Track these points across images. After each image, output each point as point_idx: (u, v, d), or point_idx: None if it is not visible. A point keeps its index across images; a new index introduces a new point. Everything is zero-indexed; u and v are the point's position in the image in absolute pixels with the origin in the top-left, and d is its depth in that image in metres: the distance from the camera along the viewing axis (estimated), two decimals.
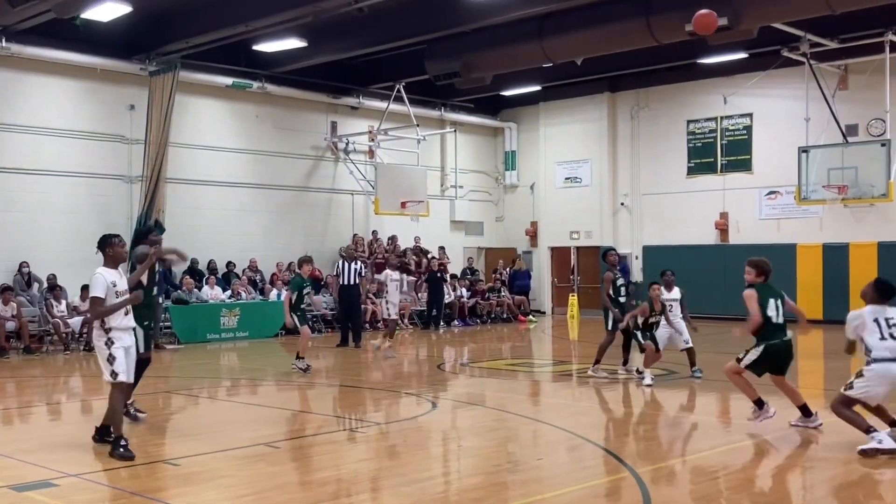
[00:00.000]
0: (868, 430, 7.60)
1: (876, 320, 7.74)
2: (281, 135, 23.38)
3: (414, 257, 24.53)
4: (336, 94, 24.19)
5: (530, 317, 25.34)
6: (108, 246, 8.16)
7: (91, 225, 19.59)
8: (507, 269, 26.39)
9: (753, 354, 8.71)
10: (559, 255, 27.95)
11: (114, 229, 19.39)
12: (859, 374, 7.71)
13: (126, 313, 8.01)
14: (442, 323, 23.03)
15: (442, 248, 25.65)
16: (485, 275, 27.28)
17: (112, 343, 7.87)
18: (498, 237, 29.06)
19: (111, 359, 7.85)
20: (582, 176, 27.33)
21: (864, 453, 7.46)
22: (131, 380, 8.19)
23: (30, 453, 8.10)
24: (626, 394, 11.72)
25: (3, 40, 17.95)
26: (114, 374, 7.86)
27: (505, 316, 24.95)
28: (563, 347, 19.88)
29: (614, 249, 14.29)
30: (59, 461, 7.70)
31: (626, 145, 26.82)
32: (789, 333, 8.79)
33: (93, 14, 17.08)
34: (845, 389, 7.79)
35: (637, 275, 26.11)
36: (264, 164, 22.99)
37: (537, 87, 26.30)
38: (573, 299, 26.26)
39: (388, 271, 16.94)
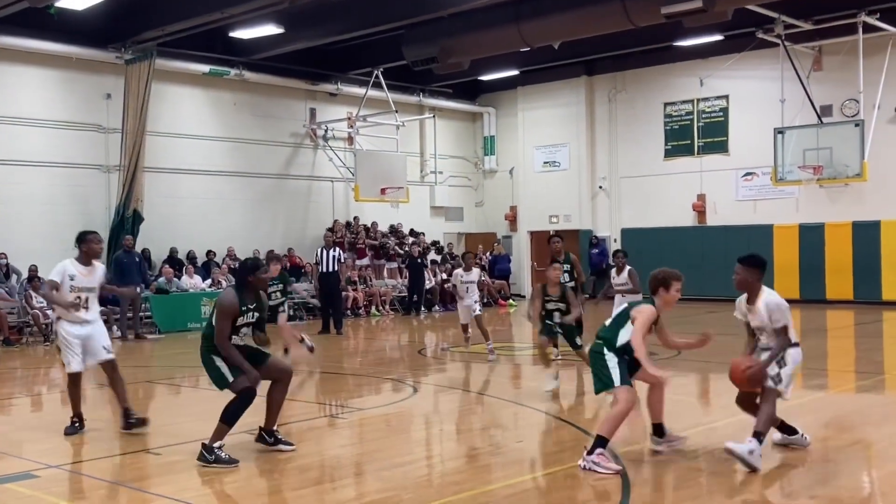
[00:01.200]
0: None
1: None
2: (259, 122, 23.31)
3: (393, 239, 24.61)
4: (314, 80, 24.12)
5: (510, 301, 25.45)
6: (83, 242, 8.43)
7: (69, 215, 19.62)
8: (487, 254, 26.46)
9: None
10: (539, 239, 28.03)
11: (92, 219, 19.97)
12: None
13: (80, 309, 8.31)
14: (423, 308, 23.11)
15: (421, 234, 25.70)
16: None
17: (64, 333, 8.33)
18: (478, 222, 29.13)
19: (63, 348, 8.38)
20: (560, 160, 27.39)
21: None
22: (80, 369, 8.44)
23: (10, 445, 8.12)
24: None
25: None
26: (67, 363, 8.37)
27: (485, 300, 25.02)
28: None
29: (560, 237, 13.30)
30: (40, 452, 7.71)
31: (603, 129, 26.88)
32: None
33: (67, 3, 16.96)
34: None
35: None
36: (243, 152, 22.93)
37: (515, 72, 26.27)
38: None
39: (458, 271, 14.53)
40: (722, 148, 24.81)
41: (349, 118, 24.22)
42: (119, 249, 18.57)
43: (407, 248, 24.23)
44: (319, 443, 8.32)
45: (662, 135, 25.87)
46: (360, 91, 23.96)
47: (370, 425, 9.16)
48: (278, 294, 13.52)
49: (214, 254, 21.61)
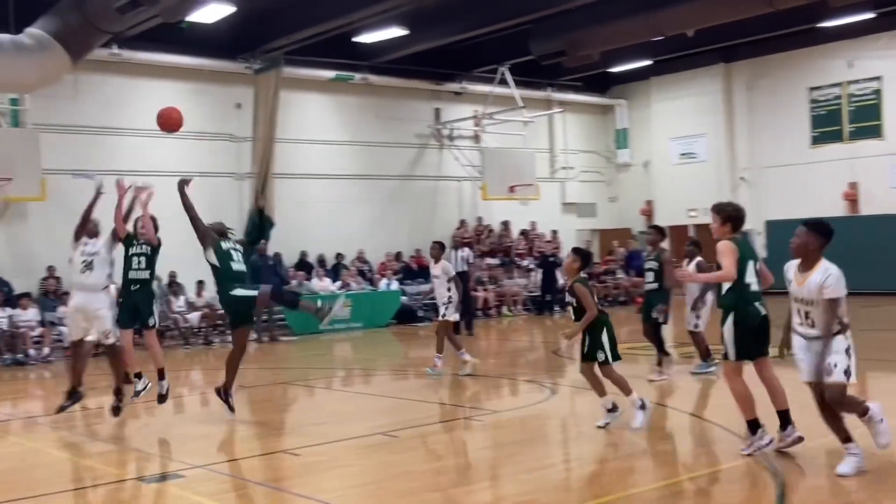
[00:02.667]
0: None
1: None
2: (384, 124, 23.29)
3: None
4: (438, 80, 23.94)
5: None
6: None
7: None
8: (622, 250, 25.66)
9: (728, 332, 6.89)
10: (677, 233, 26.94)
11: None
12: None
13: (80, 273, 9.21)
14: (556, 308, 22.46)
15: (553, 231, 25.09)
16: (599, 257, 26.57)
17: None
18: (612, 218, 28.27)
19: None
20: (698, 151, 26.34)
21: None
22: (72, 338, 9.38)
23: (157, 446, 8.41)
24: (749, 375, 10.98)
25: (115, 47, 18.34)
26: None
27: (622, 299, 24.19)
28: (684, 329, 19.02)
29: (652, 228, 12.01)
30: (185, 453, 7.94)
31: (743, 117, 25.75)
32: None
33: (198, 16, 17.28)
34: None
35: (761, 251, 24.97)
36: (369, 155, 22.95)
37: (647, 62, 25.48)
38: None
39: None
40: (875, 133, 23.31)
41: (475, 116, 23.89)
42: (253, 254, 18.85)
43: (541, 248, 23.68)
44: (455, 445, 8.25)
45: (808, 121, 24.59)
46: (485, 89, 23.58)
47: (506, 428, 8.94)
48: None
49: (343, 256, 21.68)
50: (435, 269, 12.55)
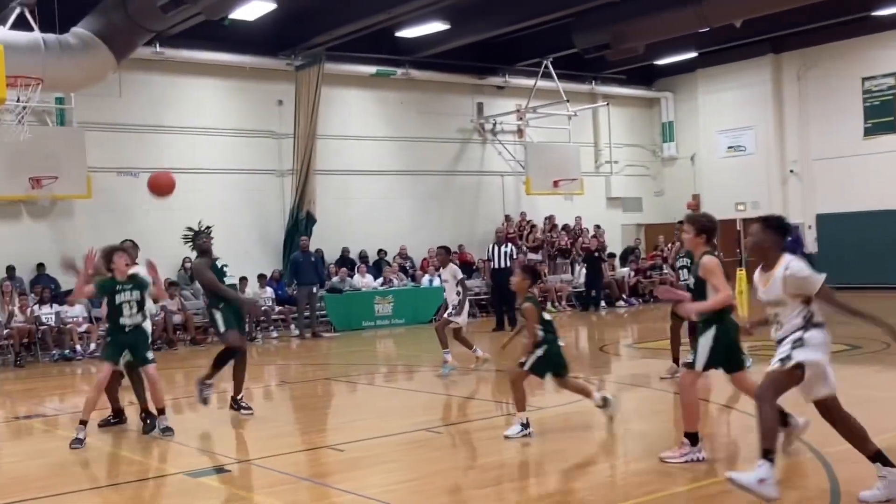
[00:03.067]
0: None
1: None
2: (426, 119, 23.17)
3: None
4: (481, 74, 23.75)
5: None
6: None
7: (246, 219, 20.23)
8: (668, 246, 25.22)
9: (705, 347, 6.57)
10: (724, 228, 26.30)
11: (268, 223, 20.43)
12: None
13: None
14: (602, 304, 22.15)
15: (596, 226, 24.76)
16: (645, 252, 26.21)
17: None
18: (657, 212, 27.81)
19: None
20: (746, 144, 25.82)
21: None
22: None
23: (202, 440, 8.42)
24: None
25: (157, 45, 18.45)
26: None
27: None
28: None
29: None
30: (230, 448, 8.07)
31: (793, 109, 25.18)
32: None
33: (240, 14, 17.33)
34: None
35: (811, 246, 24.45)
36: (411, 150, 22.85)
37: (694, 54, 25.01)
38: (741, 274, 24.70)
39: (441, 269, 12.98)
40: None
41: (518, 110, 23.65)
42: (295, 251, 18.92)
43: (585, 244, 23.38)
44: (499, 442, 8.05)
45: (861, 112, 23.96)
46: (528, 82, 23.33)
47: (550, 424, 8.78)
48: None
49: (385, 252, 21.61)
50: (444, 274, 12.47)
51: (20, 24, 14.66)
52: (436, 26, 20.01)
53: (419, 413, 9.42)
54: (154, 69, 19.13)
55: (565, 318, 20.66)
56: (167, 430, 8.42)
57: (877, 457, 5.42)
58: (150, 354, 8.58)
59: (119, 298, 8.38)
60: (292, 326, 18.69)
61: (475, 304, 21.29)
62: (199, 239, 9.99)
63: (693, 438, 6.60)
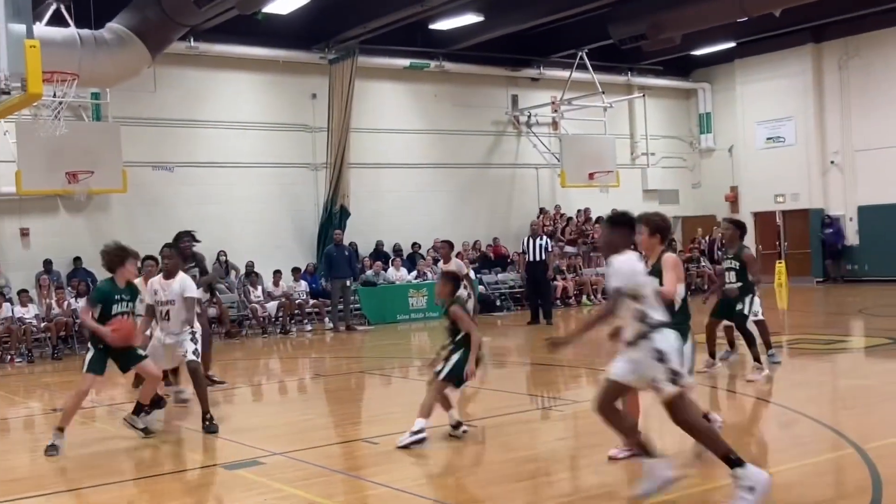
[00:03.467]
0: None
1: None
2: (460, 112, 23.06)
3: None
4: (515, 66, 23.58)
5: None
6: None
7: (281, 213, 20.31)
8: (706, 239, 24.92)
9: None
10: (763, 220, 26.10)
11: (302, 216, 20.50)
12: None
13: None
14: None
15: None
16: (682, 244, 25.89)
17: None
18: (695, 205, 27.49)
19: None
20: (785, 135, 25.39)
21: None
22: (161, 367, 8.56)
23: (237, 433, 8.35)
24: (841, 366, 10.45)
25: (191, 40, 18.54)
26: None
27: (706, 287, 23.47)
28: (771, 318, 18.28)
29: (731, 222, 10.76)
30: (264, 440, 7.94)
31: (834, 99, 24.71)
32: None
33: (273, 8, 17.30)
34: None
35: (852, 238, 23.99)
36: (444, 143, 22.76)
37: (732, 44, 24.67)
38: (780, 266, 24.39)
39: (441, 264, 12.94)
40: None
41: (553, 102, 23.43)
42: (329, 244, 18.93)
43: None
44: (533, 436, 8.06)
45: None
46: (563, 74, 23.12)
47: (586, 418, 8.61)
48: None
49: (419, 245, 21.55)
50: (448, 269, 11.92)
51: (56, 20, 14.78)
52: (470, 18, 19.89)
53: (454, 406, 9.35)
54: (188, 64, 19.22)
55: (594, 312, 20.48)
56: (146, 431, 8.06)
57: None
58: (140, 352, 7.98)
59: (115, 308, 7.74)
60: (326, 320, 18.72)
61: (510, 298, 21.22)
62: (181, 241, 10.16)
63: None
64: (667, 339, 5.40)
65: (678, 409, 5.37)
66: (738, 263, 10.11)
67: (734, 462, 5.20)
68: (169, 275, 8.44)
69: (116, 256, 7.91)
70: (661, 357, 5.34)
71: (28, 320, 15.73)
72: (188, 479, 7.09)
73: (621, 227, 5.75)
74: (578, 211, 24.23)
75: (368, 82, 21.13)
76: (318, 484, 6.42)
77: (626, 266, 5.48)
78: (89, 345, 7.90)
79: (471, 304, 11.84)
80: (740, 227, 10.49)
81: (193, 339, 8.31)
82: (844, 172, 24.58)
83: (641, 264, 5.63)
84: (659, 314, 5.46)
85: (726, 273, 10.33)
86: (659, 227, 6.55)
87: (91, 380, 7.76)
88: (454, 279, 8.14)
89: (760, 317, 10.70)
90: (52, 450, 7.54)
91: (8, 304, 15.95)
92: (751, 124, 26.04)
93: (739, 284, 10.09)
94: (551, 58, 23.66)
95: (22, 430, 9.99)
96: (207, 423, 8.18)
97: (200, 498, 6.67)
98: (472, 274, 19.54)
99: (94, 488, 6.68)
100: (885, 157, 23.47)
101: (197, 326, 8.51)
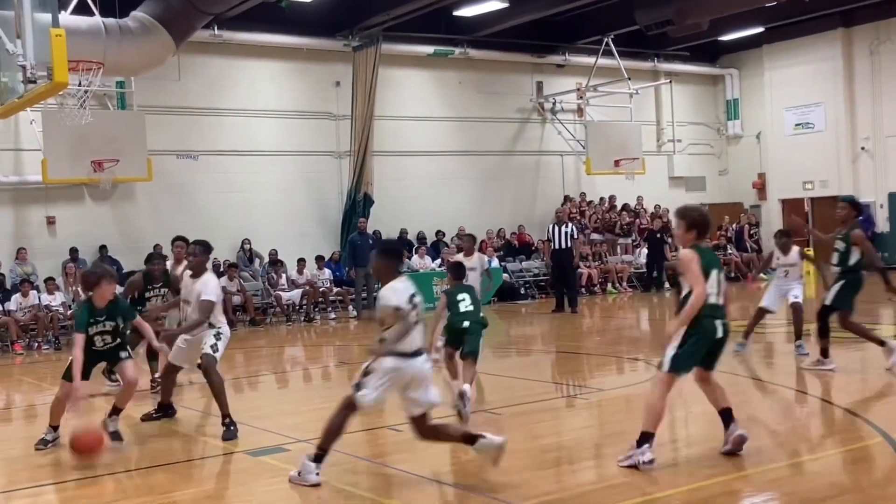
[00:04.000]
0: None
1: None
2: (485, 99, 22.93)
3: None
4: (540, 53, 23.37)
5: (761, 275, 23.43)
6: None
7: (305, 201, 20.31)
8: (733, 226, 24.66)
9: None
10: (791, 207, 25.78)
11: (326, 204, 20.49)
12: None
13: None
14: (666, 285, 21.73)
15: (657, 206, 24.29)
16: (710, 232, 25.61)
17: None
18: (722, 192, 27.20)
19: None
20: (814, 121, 25.03)
21: None
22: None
23: (261, 420, 8.36)
24: (869, 355, 10.25)
25: (215, 28, 18.52)
26: None
27: (732, 275, 23.27)
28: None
29: (847, 201, 9.91)
30: (289, 427, 7.96)
31: (864, 84, 24.33)
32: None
33: None
34: None
35: (883, 225, 23.65)
36: (469, 131, 22.64)
37: (760, 29, 24.38)
38: (809, 253, 24.09)
39: (458, 256, 12.45)
40: None
41: (578, 89, 23.25)
42: (353, 232, 18.91)
43: (644, 223, 22.97)
44: (558, 424, 8.03)
45: None
46: (589, 60, 22.90)
47: (611, 406, 8.67)
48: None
49: (444, 234, 21.49)
50: (471, 262, 11.46)
51: (81, 9, 14.80)
52: (494, 5, 19.74)
53: (479, 394, 9.23)
54: (212, 52, 19.24)
55: (625, 300, 20.35)
56: (116, 435, 7.63)
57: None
58: (123, 353, 7.67)
59: (92, 330, 7.48)
60: (350, 308, 18.72)
61: (534, 286, 21.13)
62: (151, 263, 10.16)
63: (645, 439, 6.08)
64: None
65: None
66: (843, 245, 9.45)
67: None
68: (195, 274, 8.14)
69: (88, 282, 7.72)
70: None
71: (55, 308, 15.87)
72: (212, 465, 7.10)
73: (388, 257, 6.07)
74: (600, 199, 24.05)
75: (392, 70, 21.04)
76: (342, 471, 6.40)
77: (391, 295, 5.81)
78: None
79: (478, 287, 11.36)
80: (856, 207, 9.80)
81: (217, 336, 7.97)
82: (875, 159, 24.23)
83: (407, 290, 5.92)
84: None
85: (833, 254, 9.71)
86: (696, 222, 6.25)
87: (67, 386, 7.41)
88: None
89: (799, 300, 10.57)
90: (41, 444, 7.51)
91: (34, 291, 16.08)
92: (779, 110, 25.69)
93: (838, 269, 9.54)
94: (577, 44, 23.47)
95: (49, 416, 10.02)
96: (226, 427, 7.70)
97: (225, 484, 6.69)
98: (495, 263, 19.57)
99: (124, 474, 6.72)
100: None
101: (224, 328, 8.14)
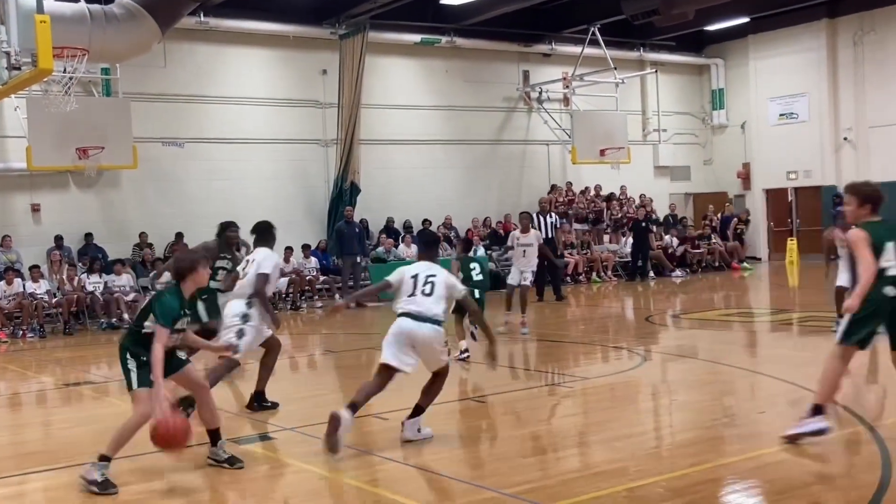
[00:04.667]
0: None
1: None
2: (471, 88, 22.93)
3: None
4: (527, 42, 23.39)
5: (744, 264, 23.67)
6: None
7: (291, 189, 20.27)
8: (718, 215, 24.82)
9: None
10: (775, 197, 25.96)
11: (312, 192, 20.41)
12: None
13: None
14: (651, 274, 21.86)
15: (642, 195, 24.40)
16: (694, 221, 25.78)
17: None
18: (707, 181, 27.33)
19: None
20: (798, 111, 25.16)
21: None
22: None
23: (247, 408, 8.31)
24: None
25: (202, 15, 18.46)
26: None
27: (717, 264, 23.43)
28: (782, 295, 18.32)
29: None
30: (276, 416, 8.00)
31: (848, 75, 24.41)
32: None
33: None
34: None
35: None
36: (455, 119, 22.66)
37: (745, 19, 24.51)
38: (792, 244, 24.32)
39: (515, 233, 13.48)
40: None
41: (565, 78, 23.28)
42: (340, 221, 18.91)
43: (631, 213, 23.05)
44: (542, 412, 8.07)
45: None
46: (575, 50, 22.94)
47: (595, 395, 8.70)
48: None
49: (430, 222, 21.48)
50: (527, 238, 12.99)
51: None
52: None
53: (465, 382, 9.36)
54: (199, 39, 19.15)
55: (610, 288, 20.44)
56: (232, 459, 6.61)
57: None
58: (181, 355, 6.49)
59: (179, 325, 6.10)
60: (337, 296, 18.73)
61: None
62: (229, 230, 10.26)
63: (818, 410, 6.13)
64: None
65: None
66: None
67: None
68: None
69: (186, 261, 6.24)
70: None
71: (39, 295, 15.80)
72: (198, 453, 7.06)
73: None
74: (584, 189, 24.12)
75: (379, 58, 21.00)
76: (328, 459, 6.42)
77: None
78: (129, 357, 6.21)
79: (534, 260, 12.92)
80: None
81: (238, 334, 7.63)
82: (858, 149, 24.35)
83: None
84: None
85: None
86: (869, 196, 6.26)
87: (146, 396, 6.01)
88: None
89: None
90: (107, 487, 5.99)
91: (19, 279, 16.00)
92: (764, 100, 25.80)
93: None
94: (563, 33, 23.48)
95: (34, 404, 10.04)
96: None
97: (211, 472, 6.69)
98: (481, 252, 19.64)
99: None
100: None
101: (254, 318, 7.79)
